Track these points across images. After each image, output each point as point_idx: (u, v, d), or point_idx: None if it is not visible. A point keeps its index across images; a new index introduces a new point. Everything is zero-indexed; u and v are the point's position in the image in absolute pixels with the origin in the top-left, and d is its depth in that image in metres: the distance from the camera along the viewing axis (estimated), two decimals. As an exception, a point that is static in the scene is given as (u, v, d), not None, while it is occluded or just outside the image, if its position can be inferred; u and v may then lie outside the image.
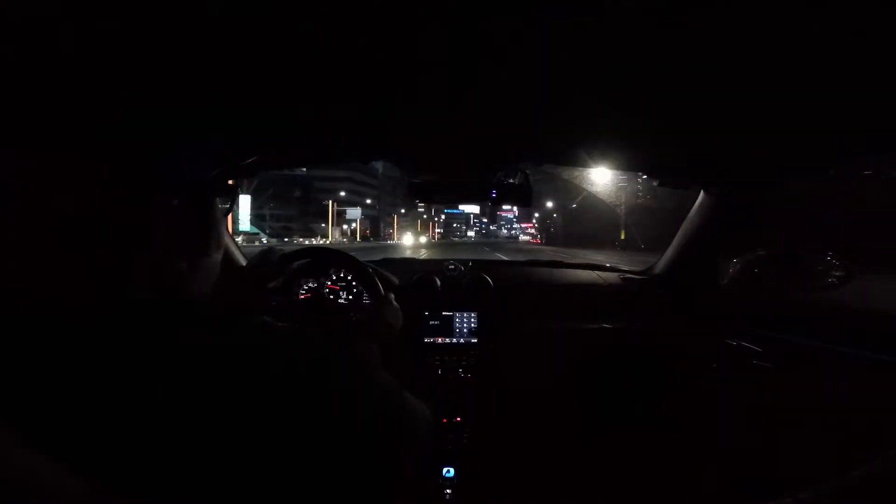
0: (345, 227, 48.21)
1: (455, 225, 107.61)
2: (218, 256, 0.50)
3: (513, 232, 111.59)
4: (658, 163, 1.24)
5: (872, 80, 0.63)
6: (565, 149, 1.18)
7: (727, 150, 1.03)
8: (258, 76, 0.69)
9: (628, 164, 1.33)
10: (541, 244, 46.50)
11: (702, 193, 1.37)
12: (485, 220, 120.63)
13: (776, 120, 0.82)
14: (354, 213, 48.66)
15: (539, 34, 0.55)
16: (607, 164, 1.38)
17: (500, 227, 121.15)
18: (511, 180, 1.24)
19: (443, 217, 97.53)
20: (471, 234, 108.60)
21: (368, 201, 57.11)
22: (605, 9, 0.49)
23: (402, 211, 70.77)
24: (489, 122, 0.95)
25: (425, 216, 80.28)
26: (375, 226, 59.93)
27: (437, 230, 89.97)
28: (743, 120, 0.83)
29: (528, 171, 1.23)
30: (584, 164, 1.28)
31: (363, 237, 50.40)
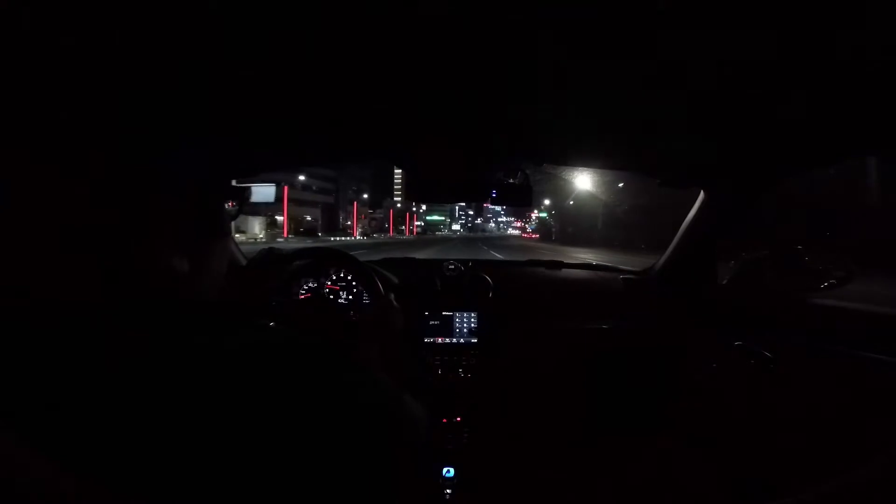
0: (279, 217, 31.19)
1: (438, 217, 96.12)
2: (221, 257, 0.50)
3: (501, 226, 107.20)
4: (658, 163, 1.25)
5: (871, 79, 0.63)
6: (565, 149, 1.18)
7: (727, 150, 1.03)
8: (258, 77, 0.69)
9: (628, 163, 1.33)
10: (537, 239, 43.20)
11: (702, 193, 1.37)
12: (471, 213, 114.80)
13: (776, 120, 0.82)
14: (264, 193, 27.75)
15: (539, 34, 0.55)
16: (607, 165, 1.38)
17: (487, 221, 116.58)
18: (511, 180, 1.24)
19: (423, 208, 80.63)
20: (456, 227, 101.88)
21: (302, 178, 39.07)
22: (605, 8, 0.49)
23: (365, 196, 58.75)
24: (489, 121, 0.95)
25: (399, 205, 67.33)
26: (333, 217, 46.24)
27: (416, 223, 77.01)
28: (743, 120, 0.83)
29: (528, 171, 1.24)
30: (585, 165, 1.28)
31: (307, 232, 33.57)
